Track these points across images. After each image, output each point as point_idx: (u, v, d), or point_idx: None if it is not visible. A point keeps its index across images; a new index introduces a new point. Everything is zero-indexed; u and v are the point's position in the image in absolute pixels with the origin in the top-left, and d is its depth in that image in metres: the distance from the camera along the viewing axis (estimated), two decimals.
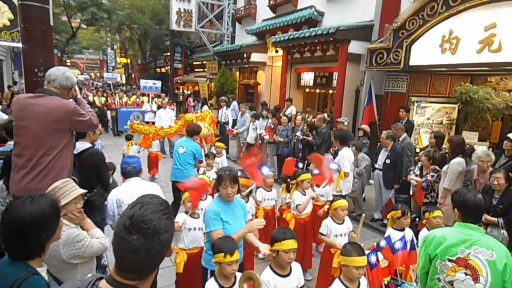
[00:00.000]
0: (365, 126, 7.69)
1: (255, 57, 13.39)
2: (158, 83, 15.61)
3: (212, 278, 2.51)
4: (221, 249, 2.42)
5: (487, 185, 4.43)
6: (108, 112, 14.50)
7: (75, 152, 3.23)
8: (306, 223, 4.47)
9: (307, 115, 11.43)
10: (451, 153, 5.06)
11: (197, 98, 17.39)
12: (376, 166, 6.35)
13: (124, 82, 33.56)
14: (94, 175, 3.39)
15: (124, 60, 35.62)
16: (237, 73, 15.55)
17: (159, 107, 12.58)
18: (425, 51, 7.20)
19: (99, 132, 4.07)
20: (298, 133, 8.01)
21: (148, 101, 14.72)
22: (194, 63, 22.16)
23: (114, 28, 25.07)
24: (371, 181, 6.83)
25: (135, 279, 1.17)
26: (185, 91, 23.38)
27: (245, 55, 13.57)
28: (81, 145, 3.43)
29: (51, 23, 3.53)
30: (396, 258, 3.37)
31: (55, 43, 27.52)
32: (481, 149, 5.07)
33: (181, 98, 21.17)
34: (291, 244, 2.47)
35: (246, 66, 14.48)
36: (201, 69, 20.41)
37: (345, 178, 5.47)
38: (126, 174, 3.34)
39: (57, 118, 2.80)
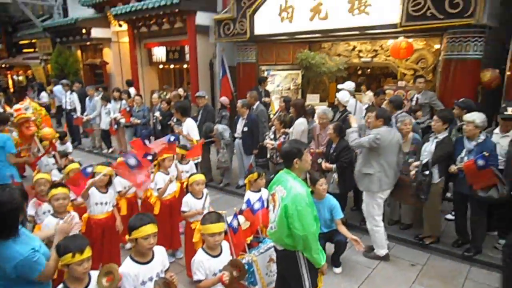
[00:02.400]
0: (223, 99, 7.76)
1: (97, 32, 11.95)
2: None
3: (61, 285, 2.18)
4: (68, 248, 2.12)
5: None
6: None
7: None
8: (171, 203, 4.35)
9: (164, 93, 10.96)
10: (296, 115, 5.56)
11: (31, 84, 14.74)
12: (236, 135, 6.54)
13: None
14: None
15: None
16: (79, 52, 13.68)
17: None
18: (267, 20, 7.55)
19: None
20: (157, 114, 7.58)
21: None
22: (21, 42, 18.42)
23: None
24: (234, 150, 7.02)
25: None
26: (15, 77, 19.53)
27: (84, 31, 11.96)
28: None
29: None
30: (256, 218, 3.55)
31: None
32: (321, 107, 5.71)
33: (10, 86, 17.57)
34: (150, 228, 2.35)
35: (88, 43, 12.84)
36: (32, 49, 17.23)
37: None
38: None
39: None
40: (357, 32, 6.65)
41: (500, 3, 5.67)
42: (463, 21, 5.12)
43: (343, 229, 3.39)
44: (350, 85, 6.35)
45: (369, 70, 11.21)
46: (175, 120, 6.50)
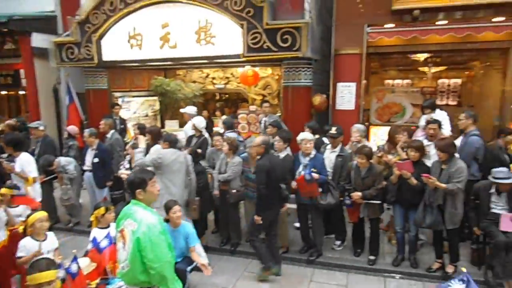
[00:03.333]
0: (70, 128, 7.04)
1: None
2: None
3: None
4: None
5: None
6: None
7: None
8: (1, 255, 3.66)
9: None
10: (152, 142, 5.45)
11: None
12: (85, 167, 5.99)
13: None
14: None
15: None
16: None
17: None
18: (116, 47, 7.22)
19: None
20: None
21: None
22: None
23: None
24: (84, 185, 6.38)
25: None
26: None
27: None
28: None
29: None
30: (103, 257, 3.29)
31: None
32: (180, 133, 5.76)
33: None
34: None
35: None
36: None
37: (34, 184, 5.00)
38: None
39: None
40: (206, 61, 6.98)
41: (320, 39, 6.84)
42: (292, 54, 5.95)
43: (195, 256, 3.42)
44: (192, 109, 6.65)
45: (227, 95, 11.85)
46: (4, 156, 5.53)
